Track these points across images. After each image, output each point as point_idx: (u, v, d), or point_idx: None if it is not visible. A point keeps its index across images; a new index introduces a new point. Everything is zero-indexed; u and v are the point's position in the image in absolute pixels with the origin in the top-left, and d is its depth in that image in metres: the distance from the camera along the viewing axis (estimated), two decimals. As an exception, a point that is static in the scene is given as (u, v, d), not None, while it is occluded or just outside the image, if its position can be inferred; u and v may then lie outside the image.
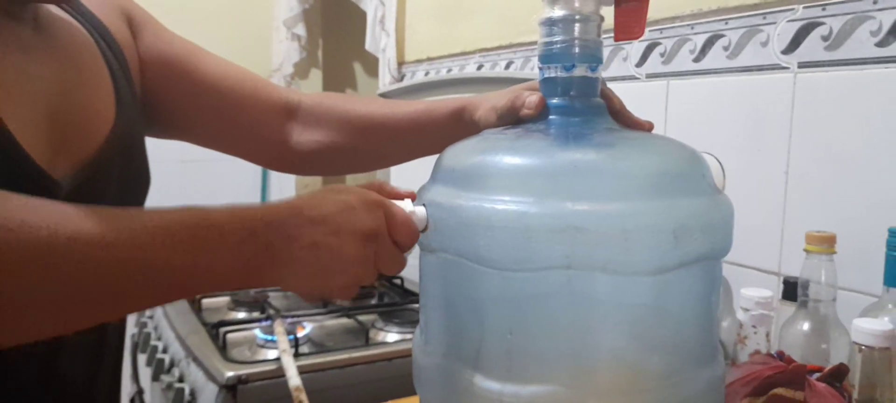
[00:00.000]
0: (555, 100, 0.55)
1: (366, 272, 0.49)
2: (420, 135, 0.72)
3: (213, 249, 0.44)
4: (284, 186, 2.70)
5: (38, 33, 0.54)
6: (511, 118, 0.59)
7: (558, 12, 0.53)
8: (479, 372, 0.48)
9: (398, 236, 0.50)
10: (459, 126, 0.67)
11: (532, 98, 0.56)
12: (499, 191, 0.47)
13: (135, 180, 0.62)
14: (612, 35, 0.60)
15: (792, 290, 0.80)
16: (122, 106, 0.59)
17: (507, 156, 0.50)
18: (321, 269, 0.47)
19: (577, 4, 0.53)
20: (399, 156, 0.78)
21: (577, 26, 0.53)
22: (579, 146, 0.51)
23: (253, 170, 2.73)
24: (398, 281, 1.54)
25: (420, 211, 0.51)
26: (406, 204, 0.51)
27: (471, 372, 0.49)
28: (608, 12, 0.56)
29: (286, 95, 0.77)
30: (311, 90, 2.68)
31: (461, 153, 0.54)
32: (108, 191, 0.57)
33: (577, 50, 0.53)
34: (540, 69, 0.56)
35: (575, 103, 0.54)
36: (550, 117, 0.55)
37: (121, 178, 0.59)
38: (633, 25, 0.59)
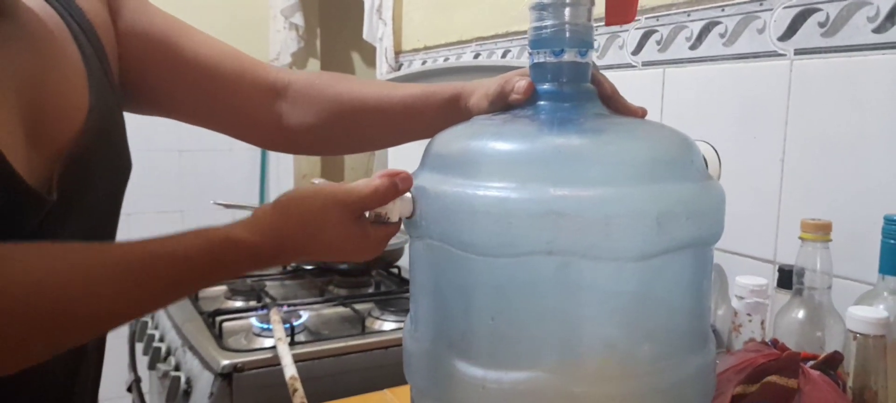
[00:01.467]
0: (544, 86, 0.54)
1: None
2: (414, 120, 0.71)
3: (192, 286, 0.51)
4: (282, 178, 2.70)
5: (2, 22, 0.51)
6: (502, 104, 0.59)
7: (550, -6, 0.53)
8: (463, 358, 0.48)
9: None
10: (454, 113, 0.66)
11: (521, 83, 0.56)
12: (482, 176, 0.47)
13: (116, 167, 0.61)
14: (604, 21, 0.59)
15: (787, 278, 0.80)
16: (96, 91, 0.57)
17: (491, 141, 0.50)
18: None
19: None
20: (392, 139, 0.77)
21: (566, 11, 0.53)
22: (564, 131, 0.51)
23: (251, 161, 2.73)
24: (395, 270, 1.54)
25: (406, 197, 0.51)
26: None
27: (455, 358, 0.49)
28: (599, -3, 0.56)
29: (275, 75, 0.75)
30: (309, 80, 2.67)
31: (448, 139, 0.54)
32: (92, 180, 0.56)
33: (566, 34, 0.53)
34: (530, 54, 0.56)
35: (564, 88, 0.54)
36: (540, 103, 0.54)
37: (103, 166, 0.58)
38: (623, 10, 0.59)
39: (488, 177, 0.46)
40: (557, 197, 0.43)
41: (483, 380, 0.46)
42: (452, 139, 0.53)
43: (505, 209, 0.44)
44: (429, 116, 0.69)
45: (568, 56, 0.53)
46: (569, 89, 0.54)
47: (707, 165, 0.97)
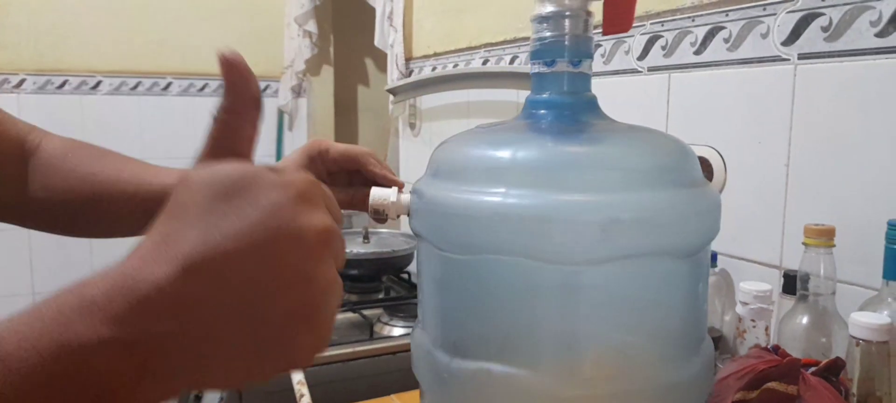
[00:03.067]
0: (543, 96, 0.55)
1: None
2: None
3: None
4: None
5: None
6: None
7: (545, 8, 0.54)
8: (457, 356, 0.51)
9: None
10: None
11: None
12: (464, 180, 0.50)
13: None
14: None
15: (792, 283, 0.79)
16: None
17: (475, 148, 0.53)
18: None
19: (566, 1, 0.54)
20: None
21: (565, 22, 0.54)
22: (560, 139, 0.52)
23: (267, 156, 2.75)
24: (405, 276, 1.55)
25: (404, 197, 0.56)
26: (393, 192, 0.54)
27: (441, 352, 0.52)
28: (597, 7, 0.56)
29: (25, 132, 0.66)
30: (322, 86, 2.70)
31: (446, 146, 0.56)
32: None
33: (565, 43, 0.54)
34: (531, 65, 0.57)
35: (563, 98, 0.55)
36: (541, 112, 0.55)
37: None
38: (621, 18, 0.59)
39: (467, 182, 0.50)
40: (547, 202, 0.45)
41: (448, 366, 0.51)
42: (448, 146, 0.56)
43: (464, 209, 0.48)
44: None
45: (560, 66, 0.54)
46: (568, 99, 0.55)
47: (712, 170, 0.97)
